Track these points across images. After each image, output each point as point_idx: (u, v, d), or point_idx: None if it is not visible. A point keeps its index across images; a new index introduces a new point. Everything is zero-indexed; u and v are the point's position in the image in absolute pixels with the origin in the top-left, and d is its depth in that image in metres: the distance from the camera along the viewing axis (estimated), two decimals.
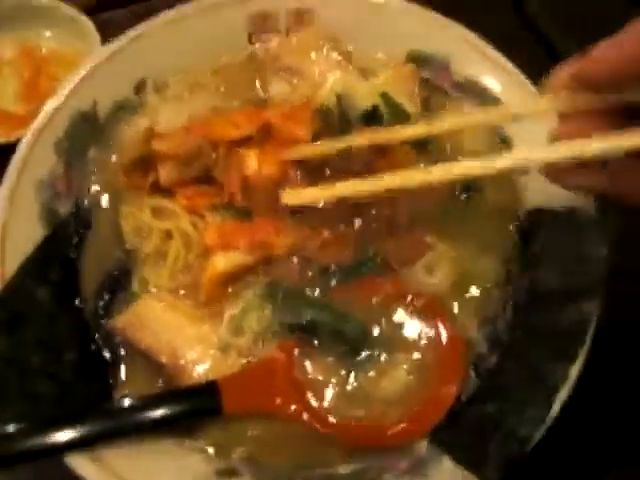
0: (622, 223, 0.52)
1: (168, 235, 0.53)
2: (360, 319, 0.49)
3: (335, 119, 0.54)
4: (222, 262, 0.48)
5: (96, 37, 0.74)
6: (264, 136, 0.54)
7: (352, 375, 0.48)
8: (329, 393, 0.47)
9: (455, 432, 0.45)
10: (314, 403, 0.47)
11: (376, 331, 0.49)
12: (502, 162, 0.41)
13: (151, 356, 0.48)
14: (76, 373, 0.48)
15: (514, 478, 0.42)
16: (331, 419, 0.47)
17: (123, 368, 0.49)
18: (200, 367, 0.47)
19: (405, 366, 0.49)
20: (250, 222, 0.51)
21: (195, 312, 0.49)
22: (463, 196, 0.55)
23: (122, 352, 0.50)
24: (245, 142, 0.53)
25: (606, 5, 0.84)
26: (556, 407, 0.42)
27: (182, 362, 0.47)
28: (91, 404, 0.47)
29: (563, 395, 0.43)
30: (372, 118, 0.54)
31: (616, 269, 0.47)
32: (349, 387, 0.48)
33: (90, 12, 0.77)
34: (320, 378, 0.48)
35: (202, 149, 0.50)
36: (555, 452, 0.47)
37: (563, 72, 0.40)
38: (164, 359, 0.47)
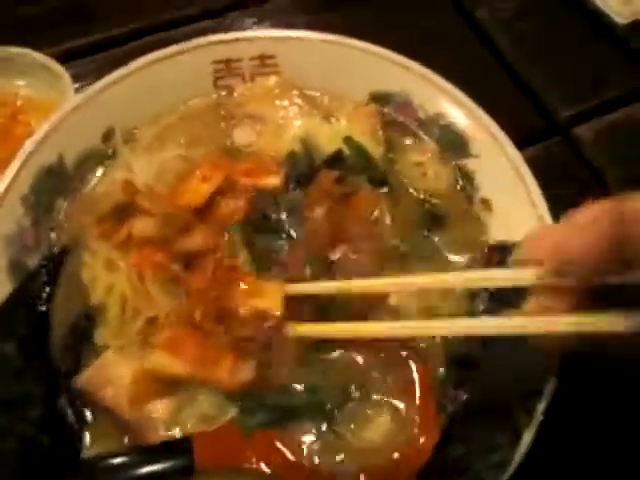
0: None
1: (110, 289, 0.52)
2: (334, 381, 0.49)
3: (302, 165, 0.55)
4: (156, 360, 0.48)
5: (69, 84, 0.74)
6: (231, 186, 0.55)
7: (332, 429, 0.48)
8: (307, 448, 0.47)
9: (423, 476, 0.45)
10: (290, 457, 0.47)
11: (353, 387, 0.49)
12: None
13: (115, 413, 0.47)
14: (40, 429, 0.48)
15: None
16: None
17: (89, 425, 0.49)
18: (168, 423, 0.47)
19: (385, 414, 0.48)
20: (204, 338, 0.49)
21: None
22: (426, 232, 0.55)
23: (87, 410, 0.49)
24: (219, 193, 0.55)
25: (570, 35, 0.86)
26: (522, 450, 0.42)
27: (146, 418, 0.46)
28: (57, 462, 0.47)
29: (527, 439, 0.42)
30: (336, 161, 0.55)
31: None
32: (329, 440, 0.47)
33: (62, 60, 0.78)
34: (299, 437, 0.47)
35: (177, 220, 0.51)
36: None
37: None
38: (127, 416, 0.47)
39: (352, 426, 0.47)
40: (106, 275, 0.51)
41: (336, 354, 0.50)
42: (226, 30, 0.83)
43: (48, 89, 0.77)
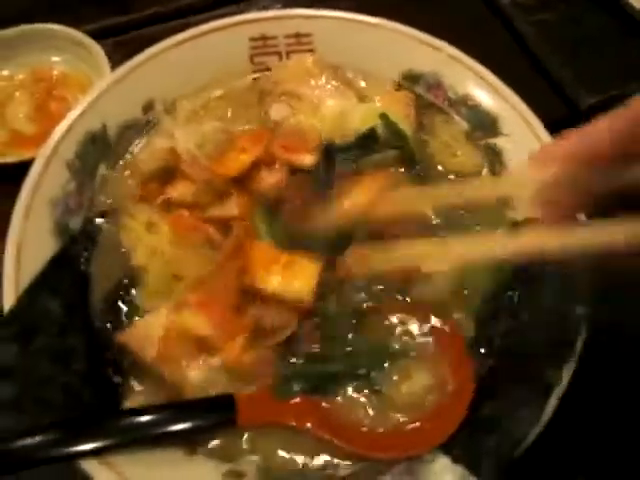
0: None
1: (153, 252, 0.54)
2: (374, 343, 0.51)
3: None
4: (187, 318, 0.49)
5: (105, 61, 0.76)
6: (268, 158, 0.57)
7: (372, 388, 0.50)
8: (349, 406, 0.49)
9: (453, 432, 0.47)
10: (334, 414, 0.49)
11: (391, 347, 0.51)
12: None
13: (155, 369, 0.49)
14: (84, 381, 0.50)
15: (510, 477, 0.43)
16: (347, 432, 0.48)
17: (130, 378, 0.51)
18: (203, 383, 0.49)
19: (421, 370, 0.51)
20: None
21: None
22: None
23: (128, 363, 0.51)
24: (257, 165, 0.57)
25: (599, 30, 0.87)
26: (549, 409, 0.44)
27: (185, 377, 0.48)
28: (99, 412, 0.49)
29: (556, 397, 0.44)
30: (369, 138, 0.57)
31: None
32: (370, 398, 0.50)
33: (97, 38, 0.80)
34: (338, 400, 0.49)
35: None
36: (549, 453, 0.49)
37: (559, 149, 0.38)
38: (167, 373, 0.48)
39: (392, 381, 0.50)
40: (148, 237, 0.54)
41: (371, 318, 0.52)
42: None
43: (83, 65, 0.80)
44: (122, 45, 0.85)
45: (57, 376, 0.49)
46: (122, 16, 0.88)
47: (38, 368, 0.48)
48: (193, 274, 0.51)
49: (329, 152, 0.58)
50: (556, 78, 0.80)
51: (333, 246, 0.52)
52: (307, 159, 0.58)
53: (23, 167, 0.66)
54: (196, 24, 0.74)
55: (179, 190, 0.54)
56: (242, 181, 0.57)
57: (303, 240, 0.53)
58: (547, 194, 0.37)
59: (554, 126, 0.75)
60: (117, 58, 0.79)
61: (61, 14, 0.86)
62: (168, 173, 0.55)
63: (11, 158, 0.70)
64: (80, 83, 0.80)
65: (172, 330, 0.49)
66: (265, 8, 0.87)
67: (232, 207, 0.56)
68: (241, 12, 0.86)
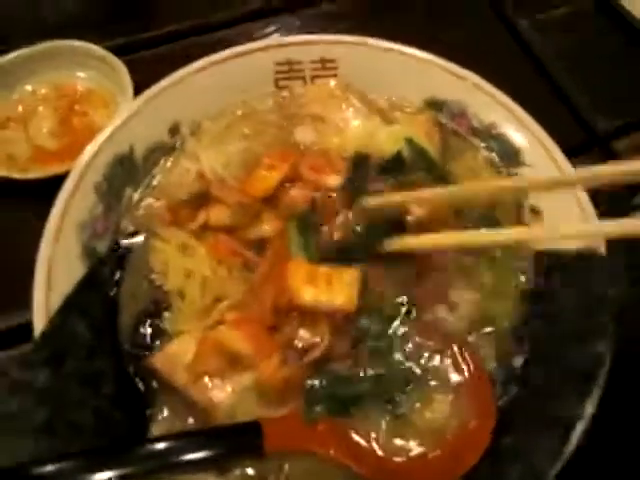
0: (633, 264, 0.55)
1: (188, 275, 0.55)
2: (397, 369, 0.52)
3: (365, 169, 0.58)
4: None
5: (127, 77, 0.77)
6: (296, 176, 0.58)
7: (395, 413, 0.50)
8: (374, 433, 0.50)
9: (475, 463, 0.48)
10: (357, 440, 0.50)
11: (414, 375, 0.52)
12: None
13: (183, 393, 0.50)
14: (113, 405, 0.51)
15: None
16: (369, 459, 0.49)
17: (157, 403, 0.52)
18: (232, 407, 0.49)
19: (444, 398, 0.51)
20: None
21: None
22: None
23: (157, 388, 0.52)
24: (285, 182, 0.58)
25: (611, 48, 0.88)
26: (573, 441, 0.44)
27: (214, 401, 0.49)
28: (127, 435, 0.50)
29: (579, 430, 0.45)
30: (396, 162, 0.57)
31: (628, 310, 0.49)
32: (393, 423, 0.50)
33: (119, 54, 0.81)
34: (364, 423, 0.50)
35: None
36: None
37: None
38: (196, 397, 0.49)
39: (416, 406, 0.50)
40: (182, 260, 0.54)
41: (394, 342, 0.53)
42: (272, 33, 0.88)
43: (106, 81, 0.81)
44: (144, 61, 0.85)
45: (87, 400, 0.50)
46: (144, 32, 0.89)
47: (69, 392, 0.49)
48: (233, 296, 0.52)
49: (359, 163, 0.59)
50: (574, 103, 0.80)
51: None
52: (333, 180, 0.59)
53: (46, 183, 0.67)
54: (215, 41, 0.75)
55: (215, 214, 0.55)
56: (271, 200, 0.58)
57: (338, 253, 0.55)
58: None
59: (572, 151, 0.77)
60: (140, 73, 0.80)
61: (84, 30, 0.87)
62: (200, 198, 0.55)
63: (34, 174, 0.71)
64: (103, 99, 0.81)
65: (206, 345, 0.51)
66: (282, 28, 0.88)
67: (265, 226, 0.57)
68: (258, 29, 0.87)
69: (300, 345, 0.51)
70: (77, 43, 0.81)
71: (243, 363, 0.50)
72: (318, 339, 0.51)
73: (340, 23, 0.89)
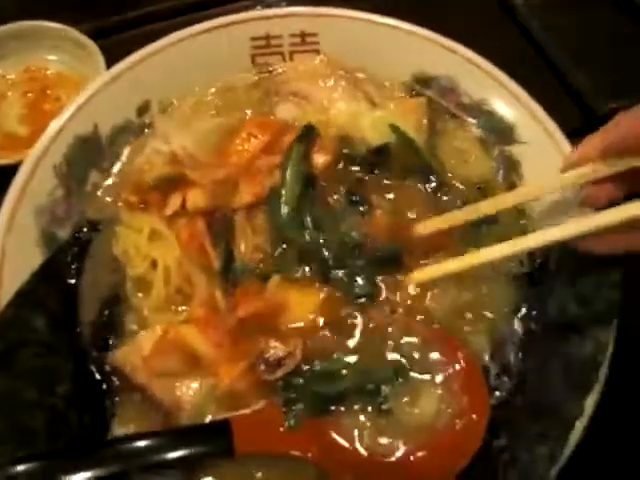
0: None
1: (153, 264, 0.51)
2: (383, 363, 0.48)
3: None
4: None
5: (101, 60, 0.73)
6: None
7: (382, 408, 0.46)
8: (358, 432, 0.46)
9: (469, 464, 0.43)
10: (339, 441, 0.45)
11: (401, 368, 0.48)
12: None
13: (147, 392, 0.46)
14: (69, 405, 0.46)
15: None
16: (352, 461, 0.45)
17: (119, 402, 0.48)
18: (199, 406, 0.45)
19: (433, 393, 0.47)
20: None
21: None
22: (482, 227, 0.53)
23: (118, 384, 0.48)
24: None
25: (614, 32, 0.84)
26: (571, 443, 0.40)
27: (179, 400, 0.45)
28: (85, 436, 0.45)
29: (578, 430, 0.41)
30: (381, 153, 0.54)
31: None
32: (377, 419, 0.46)
33: (94, 37, 0.77)
34: (347, 422, 0.46)
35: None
36: None
37: (590, 147, 0.46)
38: (159, 395, 0.45)
39: (403, 401, 0.46)
40: (148, 248, 0.50)
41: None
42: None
43: (79, 65, 0.77)
44: (120, 44, 0.81)
45: (40, 400, 0.45)
46: (119, 15, 0.85)
47: (20, 393, 0.45)
48: (199, 292, 0.48)
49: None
50: (573, 85, 0.76)
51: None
52: (321, 158, 0.54)
53: (14, 170, 0.63)
54: (194, 22, 0.71)
55: (191, 199, 0.51)
56: (247, 169, 0.54)
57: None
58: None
59: (571, 133, 0.73)
60: (115, 57, 0.75)
61: (57, 12, 0.83)
62: (170, 182, 0.51)
63: (3, 160, 0.67)
64: (76, 83, 0.77)
65: (166, 341, 0.46)
66: (268, 7, 0.83)
67: (246, 196, 0.52)
68: (240, 10, 0.83)
69: (271, 358, 0.47)
70: (48, 24, 0.77)
71: (203, 366, 0.46)
72: (291, 349, 0.47)
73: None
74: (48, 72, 0.78)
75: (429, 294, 0.50)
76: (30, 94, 0.77)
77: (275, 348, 0.46)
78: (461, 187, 0.55)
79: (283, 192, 0.52)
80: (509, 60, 0.67)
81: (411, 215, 0.53)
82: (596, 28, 0.84)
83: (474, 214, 0.50)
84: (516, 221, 0.54)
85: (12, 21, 0.78)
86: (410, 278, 0.51)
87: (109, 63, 0.72)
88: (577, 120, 0.74)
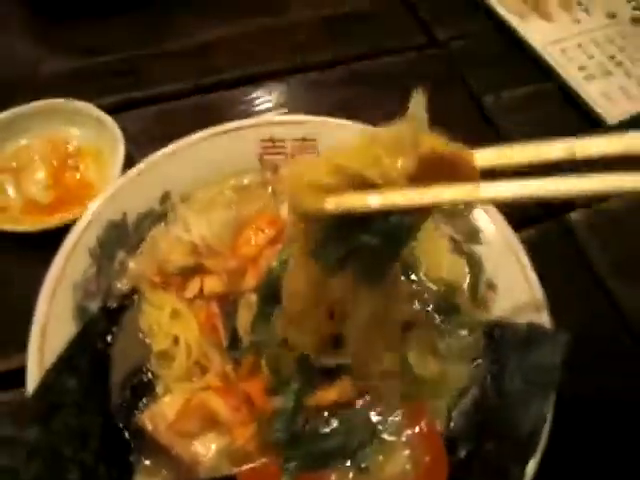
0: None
1: (175, 340, 0.60)
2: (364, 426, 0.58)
3: None
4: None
5: (119, 135, 0.82)
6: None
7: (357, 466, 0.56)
8: None
9: None
10: None
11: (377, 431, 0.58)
12: None
13: (168, 449, 0.55)
14: (99, 458, 0.54)
15: None
16: None
17: (142, 456, 0.56)
18: (214, 463, 0.54)
19: (402, 453, 0.57)
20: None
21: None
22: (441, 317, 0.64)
23: (142, 442, 0.56)
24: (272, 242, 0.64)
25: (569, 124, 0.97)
26: None
27: (198, 457, 0.54)
28: None
29: None
30: None
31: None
32: (359, 476, 0.56)
33: (110, 111, 0.86)
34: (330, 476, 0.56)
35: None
36: None
37: None
38: (180, 453, 0.54)
39: (378, 459, 0.56)
40: (170, 325, 0.60)
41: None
42: (257, 98, 0.95)
43: (98, 138, 0.85)
44: (135, 119, 0.91)
45: (75, 456, 0.53)
46: (137, 91, 0.95)
47: (57, 448, 0.52)
48: (215, 365, 0.57)
49: None
50: None
51: None
52: None
53: (37, 234, 0.72)
54: (201, 103, 0.81)
55: (208, 285, 0.61)
56: (254, 259, 0.64)
57: None
58: None
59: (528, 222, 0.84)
60: (132, 131, 0.85)
61: (77, 85, 0.93)
62: (191, 269, 0.61)
63: (26, 226, 0.76)
64: (94, 155, 0.86)
65: (190, 406, 0.56)
66: (267, 94, 0.95)
67: (251, 281, 0.62)
68: (244, 95, 0.94)
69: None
70: (74, 103, 0.86)
71: (220, 427, 0.55)
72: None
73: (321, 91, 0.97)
74: (69, 144, 0.87)
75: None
76: (52, 164, 0.86)
77: None
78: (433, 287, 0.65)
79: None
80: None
81: None
82: (555, 125, 0.97)
83: None
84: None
85: (40, 92, 0.87)
86: None
87: (125, 135, 0.81)
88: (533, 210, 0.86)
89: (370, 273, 0.48)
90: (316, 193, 0.41)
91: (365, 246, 0.44)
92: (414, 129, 0.42)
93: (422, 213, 0.45)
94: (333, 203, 0.41)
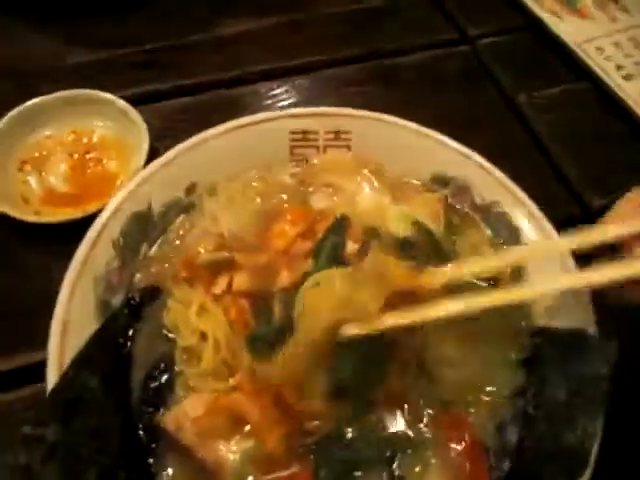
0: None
1: (202, 337, 0.57)
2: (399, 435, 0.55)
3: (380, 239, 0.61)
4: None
5: (144, 128, 0.80)
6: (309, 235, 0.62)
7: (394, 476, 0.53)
8: None
9: None
10: None
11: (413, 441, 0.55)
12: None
13: (191, 452, 0.52)
14: (118, 462, 0.52)
15: None
16: None
17: (163, 460, 0.53)
18: (239, 468, 0.51)
19: (439, 466, 0.54)
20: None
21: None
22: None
23: (163, 444, 0.54)
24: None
25: (605, 125, 0.94)
26: None
27: (222, 462, 0.51)
28: None
29: None
30: (407, 244, 0.61)
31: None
32: None
33: (133, 103, 0.84)
34: None
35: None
36: None
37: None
38: (204, 457, 0.51)
39: (415, 470, 0.53)
40: (197, 322, 0.57)
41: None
42: (281, 93, 0.93)
43: (123, 131, 0.84)
44: (160, 111, 0.89)
45: (94, 456, 0.51)
46: (159, 84, 0.93)
47: (78, 448, 0.50)
48: (244, 365, 0.54)
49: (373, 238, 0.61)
50: (567, 178, 0.85)
51: None
52: (350, 246, 0.61)
53: (58, 226, 0.70)
54: (226, 98, 0.80)
55: (236, 282, 0.58)
56: (287, 253, 0.61)
57: None
58: None
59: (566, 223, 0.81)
60: (155, 124, 0.83)
61: (101, 78, 0.91)
62: (222, 263, 0.59)
63: (47, 218, 0.74)
64: (117, 148, 0.84)
65: (217, 407, 0.53)
66: (290, 90, 0.93)
67: (284, 279, 0.59)
68: (269, 90, 0.92)
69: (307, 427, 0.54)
70: (99, 93, 0.84)
71: (246, 429, 0.52)
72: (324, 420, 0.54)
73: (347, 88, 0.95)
74: (94, 135, 0.85)
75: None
76: (75, 155, 0.84)
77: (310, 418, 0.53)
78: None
79: None
80: (510, 151, 0.75)
81: None
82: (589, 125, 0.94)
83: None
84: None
85: (63, 84, 0.85)
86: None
87: (149, 128, 0.80)
88: (572, 211, 0.83)
89: None
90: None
91: None
92: (381, 270, 0.50)
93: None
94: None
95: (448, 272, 0.51)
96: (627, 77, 0.98)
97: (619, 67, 1.00)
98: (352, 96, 0.94)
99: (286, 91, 0.95)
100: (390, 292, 0.49)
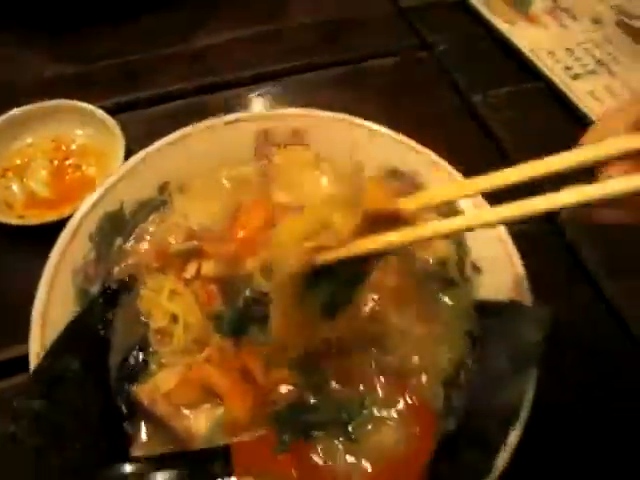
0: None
1: (173, 319, 0.62)
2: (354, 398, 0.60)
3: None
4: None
5: (120, 136, 0.86)
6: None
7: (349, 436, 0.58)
8: (330, 453, 0.57)
9: None
10: (317, 461, 0.57)
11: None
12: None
13: (164, 422, 0.57)
14: (100, 434, 0.57)
15: None
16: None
17: (139, 429, 0.58)
18: (208, 435, 0.56)
19: (390, 426, 0.59)
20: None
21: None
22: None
23: (139, 416, 0.59)
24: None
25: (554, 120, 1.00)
26: (498, 465, 0.51)
27: (192, 430, 0.56)
28: (110, 459, 0.55)
29: (504, 457, 0.52)
30: None
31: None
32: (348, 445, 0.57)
33: (113, 112, 0.90)
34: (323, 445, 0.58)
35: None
36: None
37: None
38: (175, 425, 0.56)
39: (366, 430, 0.58)
40: (168, 304, 0.62)
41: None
42: (257, 98, 0.99)
43: (101, 139, 0.89)
44: (136, 120, 0.95)
45: (76, 428, 0.55)
46: (134, 93, 0.99)
47: (62, 421, 0.54)
48: (214, 341, 0.60)
49: None
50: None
51: None
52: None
53: (39, 228, 0.76)
54: (196, 105, 0.84)
55: (204, 269, 0.64)
56: (251, 242, 0.66)
57: None
58: None
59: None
60: (133, 131, 0.89)
61: (82, 89, 0.97)
62: (191, 252, 0.64)
63: (30, 220, 0.79)
64: (95, 154, 0.89)
65: (188, 379, 0.58)
66: (265, 95, 0.99)
67: (249, 265, 0.65)
68: (243, 97, 0.98)
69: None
70: (79, 104, 0.90)
71: (216, 399, 0.57)
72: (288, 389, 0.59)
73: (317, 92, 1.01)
74: (73, 143, 0.91)
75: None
76: (55, 161, 0.89)
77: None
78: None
79: None
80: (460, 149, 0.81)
81: None
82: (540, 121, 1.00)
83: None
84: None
85: (45, 95, 0.91)
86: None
87: (125, 135, 0.85)
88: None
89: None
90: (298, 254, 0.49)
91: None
92: (356, 190, 0.50)
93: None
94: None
95: (423, 197, 0.51)
96: (575, 77, 1.05)
97: (568, 68, 1.07)
98: (322, 99, 1.00)
99: (259, 96, 1.01)
100: (365, 213, 0.48)
